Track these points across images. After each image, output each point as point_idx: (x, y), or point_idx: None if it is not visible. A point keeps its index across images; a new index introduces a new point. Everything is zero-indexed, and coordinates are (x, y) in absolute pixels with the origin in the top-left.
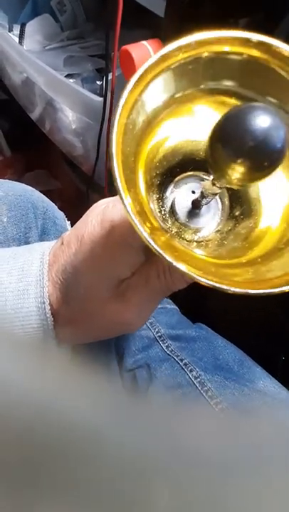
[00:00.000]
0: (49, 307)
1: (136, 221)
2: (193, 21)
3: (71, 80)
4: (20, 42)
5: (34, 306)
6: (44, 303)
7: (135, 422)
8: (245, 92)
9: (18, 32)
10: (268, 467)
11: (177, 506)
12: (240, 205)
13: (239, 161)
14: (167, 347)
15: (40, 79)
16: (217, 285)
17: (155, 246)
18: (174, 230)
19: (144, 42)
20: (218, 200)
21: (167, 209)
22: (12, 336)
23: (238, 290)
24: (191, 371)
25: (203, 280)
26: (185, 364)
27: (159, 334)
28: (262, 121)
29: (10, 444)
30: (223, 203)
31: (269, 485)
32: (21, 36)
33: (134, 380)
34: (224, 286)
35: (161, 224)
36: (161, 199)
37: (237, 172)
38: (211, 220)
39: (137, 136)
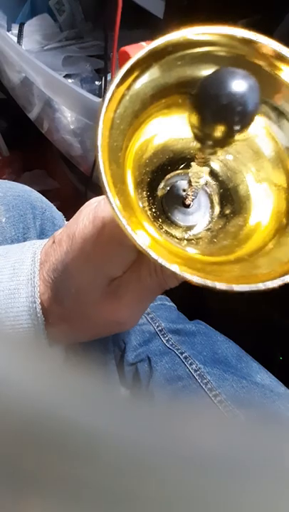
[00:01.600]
0: (40, 307)
1: (120, 216)
2: (192, 22)
3: (70, 80)
4: (19, 41)
5: (25, 306)
6: (35, 302)
7: (133, 419)
8: None
9: (17, 31)
10: (268, 466)
11: (176, 504)
12: (230, 204)
13: (219, 120)
14: (168, 341)
15: (38, 79)
16: (203, 281)
17: (140, 243)
18: (165, 228)
19: (142, 43)
20: (209, 198)
21: (158, 207)
22: (4, 336)
23: (222, 286)
24: (190, 364)
25: (190, 277)
26: (185, 357)
27: (160, 328)
28: (241, 84)
29: (7, 443)
30: (213, 201)
31: (269, 484)
32: (20, 36)
33: (136, 373)
34: (209, 283)
35: (150, 221)
36: (151, 197)
37: (217, 131)
38: (201, 218)
39: (124, 131)
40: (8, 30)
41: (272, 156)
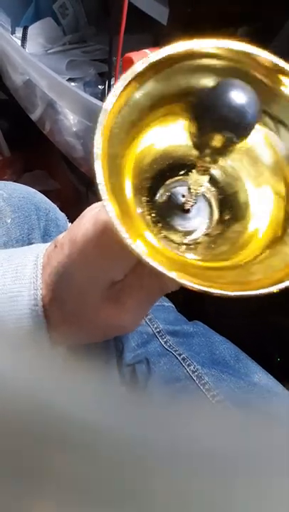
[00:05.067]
0: (42, 309)
1: (119, 226)
2: (195, 29)
3: (73, 84)
4: (23, 45)
5: (27, 309)
6: (37, 305)
7: (134, 414)
8: None
9: (21, 35)
10: (268, 463)
11: (176, 498)
12: (229, 210)
13: (217, 131)
14: (166, 342)
15: (42, 82)
16: (200, 287)
17: (138, 252)
18: (164, 233)
19: (146, 50)
20: (208, 204)
21: (157, 212)
22: (7, 336)
23: (217, 291)
24: (188, 365)
25: (188, 283)
26: (183, 358)
27: (158, 330)
28: (239, 96)
29: (7, 440)
30: (212, 207)
31: (269, 481)
32: (24, 39)
33: (134, 374)
34: (205, 289)
35: (149, 227)
36: (151, 202)
37: (216, 141)
38: (200, 224)
39: (122, 140)
40: (12, 33)
41: (271, 164)
